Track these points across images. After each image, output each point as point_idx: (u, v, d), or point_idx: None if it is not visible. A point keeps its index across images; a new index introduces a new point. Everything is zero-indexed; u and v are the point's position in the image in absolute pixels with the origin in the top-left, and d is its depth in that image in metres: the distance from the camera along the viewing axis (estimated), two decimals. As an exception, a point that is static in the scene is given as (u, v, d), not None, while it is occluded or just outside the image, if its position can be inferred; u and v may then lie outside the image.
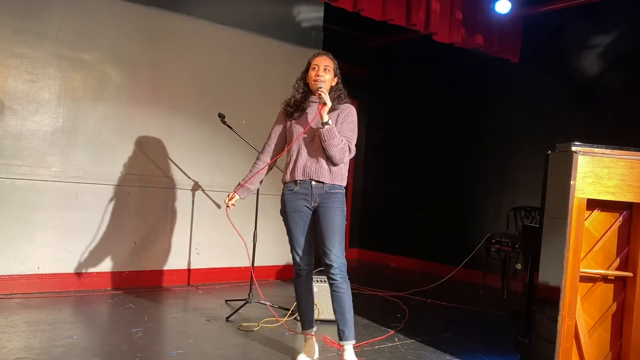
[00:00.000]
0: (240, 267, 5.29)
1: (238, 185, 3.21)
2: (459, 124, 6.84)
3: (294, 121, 3.11)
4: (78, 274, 4.58)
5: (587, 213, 2.86)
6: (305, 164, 3.02)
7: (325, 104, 2.93)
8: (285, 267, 5.88)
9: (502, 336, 4.07)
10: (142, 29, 4.86)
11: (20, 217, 4.31)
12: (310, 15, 6.05)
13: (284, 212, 3.13)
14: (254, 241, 4.41)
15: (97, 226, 4.66)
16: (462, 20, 5.45)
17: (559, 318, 2.77)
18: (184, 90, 5.13)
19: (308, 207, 3.05)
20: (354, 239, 7.94)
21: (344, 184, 3.09)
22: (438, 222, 6.94)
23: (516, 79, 6.24)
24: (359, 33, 7.27)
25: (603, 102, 5.50)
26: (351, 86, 8.34)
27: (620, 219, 2.91)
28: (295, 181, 3.04)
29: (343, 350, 3.04)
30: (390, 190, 7.61)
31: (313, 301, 3.25)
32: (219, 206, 5.31)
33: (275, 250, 5.79)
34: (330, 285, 3.00)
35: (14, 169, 4.27)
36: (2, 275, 4.23)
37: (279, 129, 3.22)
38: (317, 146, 3.00)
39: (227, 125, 4.37)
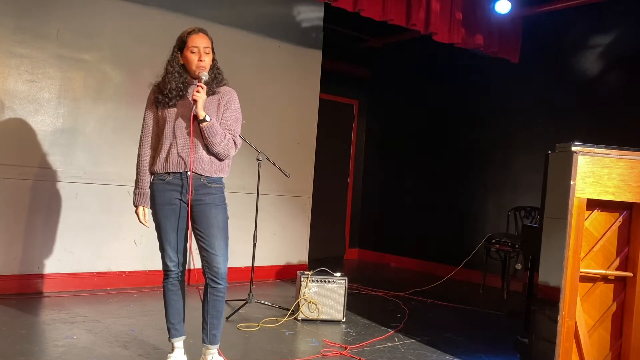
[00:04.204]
0: (240, 267, 5.29)
1: (138, 195, 2.83)
2: (458, 123, 6.84)
3: (167, 107, 2.77)
4: (78, 274, 4.58)
5: (587, 213, 2.86)
6: (180, 154, 2.73)
7: (196, 100, 2.65)
8: (285, 267, 5.88)
9: (502, 336, 4.07)
10: (142, 29, 4.86)
11: (20, 217, 4.31)
12: (310, 15, 6.05)
13: (152, 205, 2.81)
14: (254, 241, 4.41)
15: (97, 226, 4.66)
16: (462, 20, 5.45)
17: (559, 318, 2.77)
18: (184, 90, 5.13)
19: (181, 200, 2.77)
20: (354, 239, 7.94)
21: (226, 175, 2.88)
22: (438, 222, 6.94)
23: (516, 79, 6.24)
24: (359, 33, 7.27)
25: (603, 102, 5.50)
26: (351, 86, 8.41)
27: (620, 219, 2.91)
28: (168, 172, 2.75)
29: (207, 354, 2.85)
30: (390, 190, 7.61)
31: (183, 307, 2.92)
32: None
33: (275, 250, 5.80)
34: (212, 289, 2.79)
35: (14, 169, 4.27)
36: (2, 275, 4.23)
37: (151, 115, 2.85)
38: (196, 134, 2.72)
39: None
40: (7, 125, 4.26)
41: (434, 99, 7.14)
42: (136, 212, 2.84)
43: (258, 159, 4.31)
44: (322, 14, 6.11)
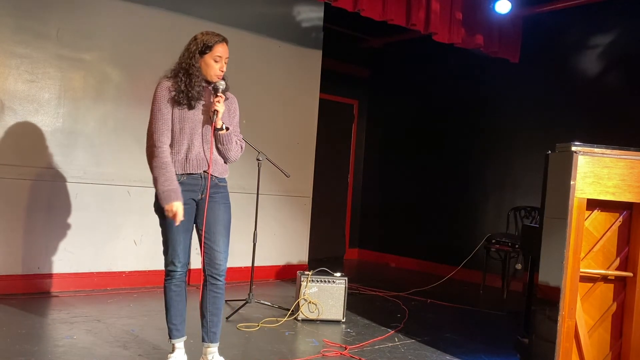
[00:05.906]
0: (240, 267, 5.29)
1: (170, 192, 2.67)
2: (459, 124, 6.84)
3: (185, 108, 2.76)
4: (78, 274, 4.58)
5: (587, 213, 2.86)
6: (197, 155, 2.78)
7: (218, 111, 2.75)
8: (285, 267, 5.88)
9: (502, 336, 4.07)
10: (142, 29, 4.86)
11: (20, 217, 4.31)
12: (310, 15, 6.05)
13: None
14: (254, 241, 4.41)
15: (97, 226, 4.66)
16: (462, 20, 5.45)
17: (559, 318, 2.77)
18: (184, 90, 5.13)
19: (194, 200, 2.82)
20: (354, 239, 7.94)
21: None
22: (438, 222, 6.94)
23: (516, 79, 6.24)
24: (359, 33, 7.27)
25: (603, 102, 5.50)
26: (351, 86, 8.41)
27: (620, 219, 2.91)
28: (185, 173, 2.77)
29: (208, 353, 2.87)
30: (391, 190, 7.60)
31: (185, 306, 2.90)
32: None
33: (275, 250, 5.80)
34: (212, 286, 2.81)
35: (14, 169, 4.27)
36: (3, 275, 4.23)
37: (168, 111, 2.76)
38: (212, 137, 2.81)
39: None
40: (7, 125, 4.26)
41: (434, 99, 7.14)
42: (169, 210, 2.65)
43: (258, 159, 4.31)
44: (322, 14, 6.11)
